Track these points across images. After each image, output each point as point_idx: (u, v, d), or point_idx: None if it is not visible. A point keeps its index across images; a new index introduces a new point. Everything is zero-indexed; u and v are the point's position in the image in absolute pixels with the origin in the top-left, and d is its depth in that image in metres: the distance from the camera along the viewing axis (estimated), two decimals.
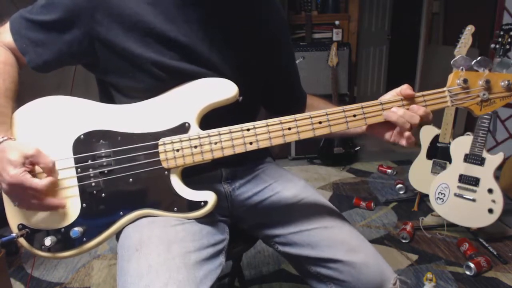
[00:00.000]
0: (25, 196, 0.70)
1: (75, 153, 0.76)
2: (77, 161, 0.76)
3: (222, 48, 0.82)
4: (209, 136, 0.74)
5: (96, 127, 0.77)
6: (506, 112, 2.67)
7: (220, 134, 0.74)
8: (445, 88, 0.75)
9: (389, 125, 0.76)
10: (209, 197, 0.76)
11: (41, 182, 0.69)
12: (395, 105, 0.75)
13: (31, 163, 0.70)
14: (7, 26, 0.80)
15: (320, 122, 0.74)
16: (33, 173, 0.71)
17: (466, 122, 3.09)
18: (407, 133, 0.74)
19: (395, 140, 0.76)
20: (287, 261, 0.97)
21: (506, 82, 0.73)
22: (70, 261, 1.84)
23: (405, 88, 0.74)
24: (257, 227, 0.94)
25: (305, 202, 0.91)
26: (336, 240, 0.82)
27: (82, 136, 0.76)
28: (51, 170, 0.72)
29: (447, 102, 0.75)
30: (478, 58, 0.74)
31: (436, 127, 2.07)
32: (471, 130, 1.86)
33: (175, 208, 0.76)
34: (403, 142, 0.75)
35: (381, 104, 0.75)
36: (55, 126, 0.77)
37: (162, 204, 0.76)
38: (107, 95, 0.87)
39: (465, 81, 0.74)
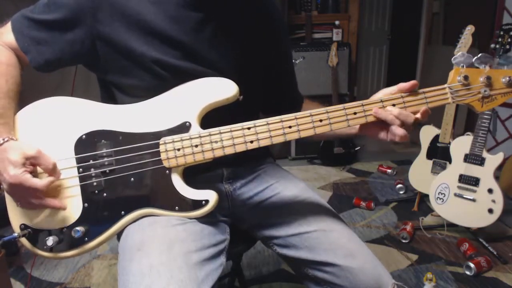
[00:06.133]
0: (26, 195, 0.70)
1: (77, 153, 0.76)
2: (79, 161, 0.76)
3: (223, 47, 0.82)
4: (210, 135, 0.75)
5: (98, 127, 0.77)
6: (506, 112, 2.67)
7: (221, 133, 0.75)
8: (445, 85, 0.75)
9: (383, 124, 0.76)
10: (210, 196, 0.76)
11: (41, 182, 0.69)
12: (395, 102, 0.75)
13: (31, 164, 0.70)
14: (8, 26, 0.80)
15: (320, 120, 0.75)
16: (34, 174, 0.71)
17: (466, 122, 3.10)
18: (400, 131, 0.73)
19: (392, 139, 0.76)
20: None
21: (507, 78, 0.73)
22: (70, 261, 1.84)
23: (403, 87, 0.75)
24: (256, 228, 0.94)
25: (305, 203, 0.91)
26: (334, 244, 0.82)
27: (84, 136, 0.76)
28: (52, 171, 0.72)
29: (448, 99, 0.75)
30: (479, 55, 0.74)
31: (436, 127, 2.07)
32: (471, 130, 1.86)
33: (177, 207, 0.76)
34: (397, 139, 0.74)
35: (382, 101, 0.75)
36: (57, 126, 0.77)
37: (164, 203, 0.76)
38: (109, 94, 0.87)
39: (465, 77, 0.74)
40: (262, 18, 0.89)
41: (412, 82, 0.74)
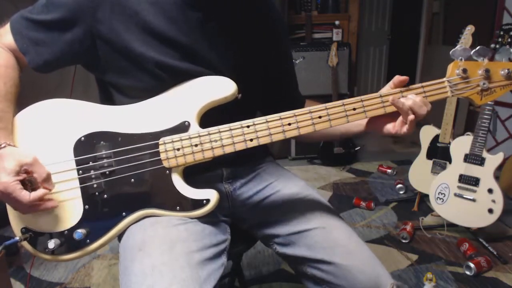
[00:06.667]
0: (12, 203, 0.70)
1: (76, 155, 0.76)
2: (78, 163, 0.76)
3: (222, 47, 0.82)
4: (209, 134, 0.75)
5: (97, 128, 0.77)
6: (506, 112, 2.67)
7: (220, 132, 0.75)
8: (444, 79, 0.75)
9: (388, 117, 0.76)
10: (211, 195, 0.76)
11: (27, 197, 0.67)
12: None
13: (26, 172, 0.69)
14: (7, 27, 0.80)
15: (320, 117, 0.74)
16: (31, 184, 0.70)
17: (466, 122, 3.10)
18: (410, 117, 0.73)
19: (397, 131, 0.76)
20: None
21: (506, 70, 0.73)
22: (70, 261, 1.81)
23: (396, 79, 0.75)
24: (257, 227, 0.94)
25: (305, 201, 0.91)
26: (333, 242, 0.82)
27: (82, 138, 0.76)
28: (45, 181, 0.71)
29: (447, 93, 0.75)
30: (477, 48, 0.74)
31: (436, 127, 2.07)
32: (471, 130, 1.86)
33: (178, 207, 0.76)
34: (405, 129, 0.75)
35: (381, 96, 0.75)
36: (56, 129, 0.77)
37: (165, 204, 0.76)
38: (107, 95, 0.87)
39: (464, 71, 0.74)
40: (261, 18, 0.89)
41: (402, 78, 0.75)
